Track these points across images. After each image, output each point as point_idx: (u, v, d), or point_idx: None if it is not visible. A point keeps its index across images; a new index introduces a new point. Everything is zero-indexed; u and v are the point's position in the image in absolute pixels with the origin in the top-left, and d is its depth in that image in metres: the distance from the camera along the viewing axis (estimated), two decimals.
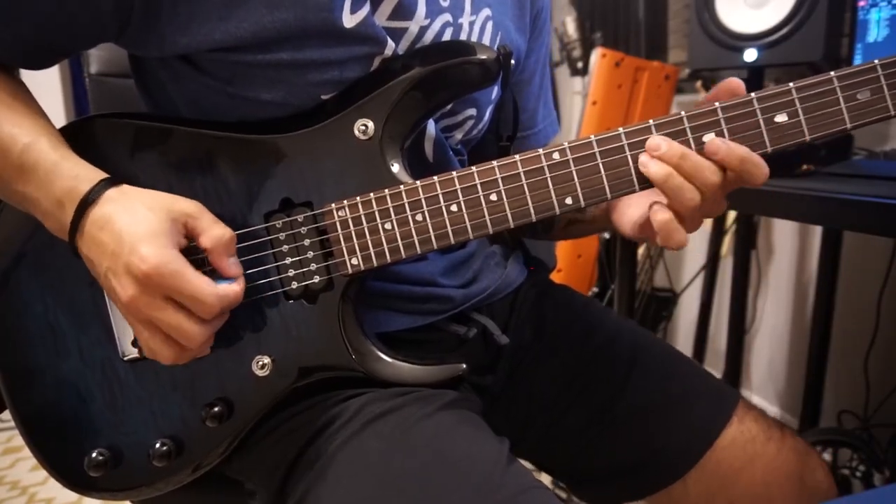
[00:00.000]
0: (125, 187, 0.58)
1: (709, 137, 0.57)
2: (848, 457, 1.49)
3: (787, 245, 1.84)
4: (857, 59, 1.20)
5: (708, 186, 0.56)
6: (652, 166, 0.57)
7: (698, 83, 1.81)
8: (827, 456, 1.52)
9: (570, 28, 2.33)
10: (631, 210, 0.67)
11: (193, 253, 0.58)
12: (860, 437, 1.49)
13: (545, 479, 0.64)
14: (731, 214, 1.89)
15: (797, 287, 1.83)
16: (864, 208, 0.82)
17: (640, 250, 2.06)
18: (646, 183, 0.59)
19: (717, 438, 0.73)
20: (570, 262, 1.97)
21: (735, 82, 0.59)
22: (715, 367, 2.10)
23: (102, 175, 0.57)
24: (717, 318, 2.10)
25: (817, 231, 1.70)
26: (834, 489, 0.77)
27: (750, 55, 1.37)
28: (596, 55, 1.81)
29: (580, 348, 0.80)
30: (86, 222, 0.56)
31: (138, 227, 0.54)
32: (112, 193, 0.56)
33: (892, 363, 1.53)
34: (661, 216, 0.58)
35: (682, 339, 2.29)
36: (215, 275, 0.58)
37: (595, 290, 2.04)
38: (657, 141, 0.57)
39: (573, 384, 0.79)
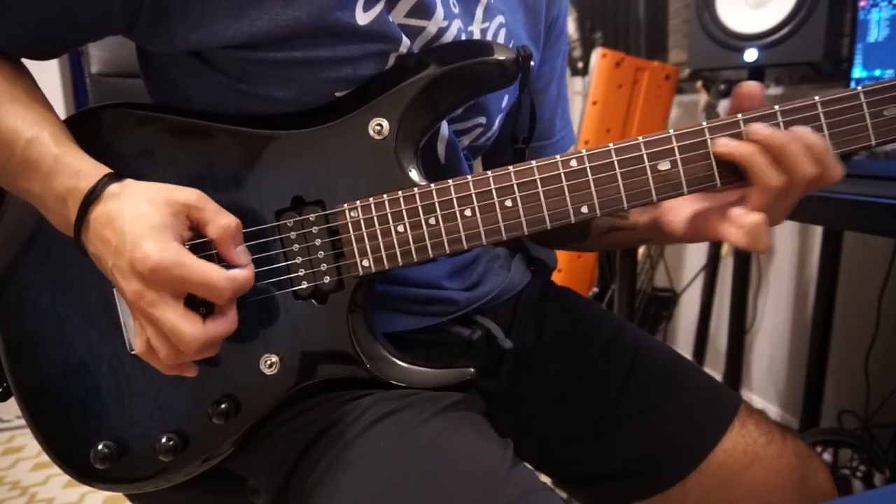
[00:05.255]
0: (127, 181, 0.57)
1: None
2: (848, 457, 1.49)
3: (787, 245, 1.84)
4: (858, 60, 1.21)
5: (800, 176, 0.54)
6: (732, 145, 0.55)
7: (698, 83, 1.81)
8: (827, 456, 1.52)
9: (570, 28, 2.33)
10: (683, 209, 0.65)
11: (202, 247, 0.57)
12: (861, 436, 1.50)
13: (544, 480, 0.65)
14: None
15: (797, 287, 1.83)
16: (864, 208, 0.82)
17: (640, 250, 2.07)
18: (664, 193, 0.58)
19: (718, 442, 0.73)
20: (570, 262, 1.97)
21: (752, 85, 0.58)
22: (715, 367, 2.10)
23: (104, 170, 0.56)
24: (717, 318, 2.10)
25: (817, 231, 1.70)
26: (835, 492, 0.77)
27: (750, 55, 1.37)
28: (596, 55, 1.81)
29: (581, 351, 0.81)
30: (89, 220, 0.55)
31: (140, 222, 0.53)
32: (114, 189, 0.55)
33: (893, 363, 1.53)
34: (752, 219, 0.55)
35: (682, 339, 2.29)
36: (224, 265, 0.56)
37: (595, 290, 2.04)
38: (758, 126, 0.55)
39: (575, 387, 0.79)
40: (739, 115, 0.57)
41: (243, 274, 0.55)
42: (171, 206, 0.55)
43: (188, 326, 0.53)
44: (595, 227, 0.81)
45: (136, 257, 0.52)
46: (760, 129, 0.55)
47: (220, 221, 0.56)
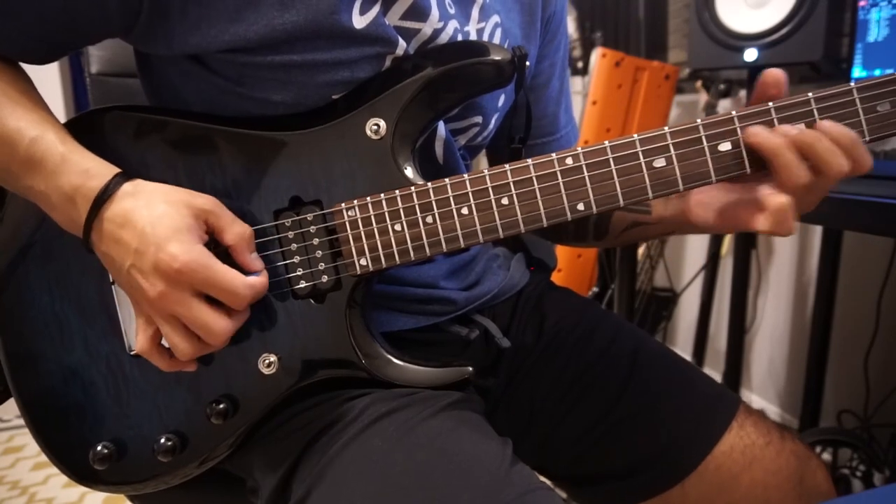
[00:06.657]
0: (139, 182, 0.57)
1: (725, 147, 0.57)
2: (848, 456, 1.50)
3: (787, 245, 1.84)
4: (858, 60, 1.21)
5: (835, 172, 0.55)
6: (764, 136, 0.55)
7: (698, 83, 1.81)
8: (827, 456, 1.52)
9: (570, 28, 2.33)
10: (713, 202, 0.66)
11: (212, 248, 0.57)
12: (860, 436, 1.50)
13: (544, 480, 0.64)
14: None
15: (797, 287, 1.83)
16: (864, 208, 0.82)
17: (641, 250, 2.07)
18: (660, 190, 0.58)
19: (716, 444, 0.73)
20: (570, 262, 1.97)
21: (775, 73, 0.58)
22: (715, 367, 2.10)
23: (114, 169, 0.57)
24: (717, 318, 2.10)
25: (817, 231, 1.70)
26: (833, 492, 0.77)
27: (750, 55, 1.37)
28: (596, 55, 1.81)
29: (580, 351, 0.80)
30: (102, 219, 0.55)
31: (161, 223, 0.54)
32: (128, 188, 0.56)
33: (892, 363, 1.53)
34: (779, 200, 0.56)
35: (682, 339, 2.29)
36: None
37: (595, 290, 2.04)
38: (786, 127, 0.56)
39: (573, 387, 0.79)
40: (734, 112, 0.57)
41: (261, 281, 0.58)
42: (190, 209, 0.56)
43: (221, 321, 0.56)
44: (615, 223, 0.81)
45: (161, 258, 0.53)
46: (789, 129, 0.55)
47: (236, 229, 0.58)
